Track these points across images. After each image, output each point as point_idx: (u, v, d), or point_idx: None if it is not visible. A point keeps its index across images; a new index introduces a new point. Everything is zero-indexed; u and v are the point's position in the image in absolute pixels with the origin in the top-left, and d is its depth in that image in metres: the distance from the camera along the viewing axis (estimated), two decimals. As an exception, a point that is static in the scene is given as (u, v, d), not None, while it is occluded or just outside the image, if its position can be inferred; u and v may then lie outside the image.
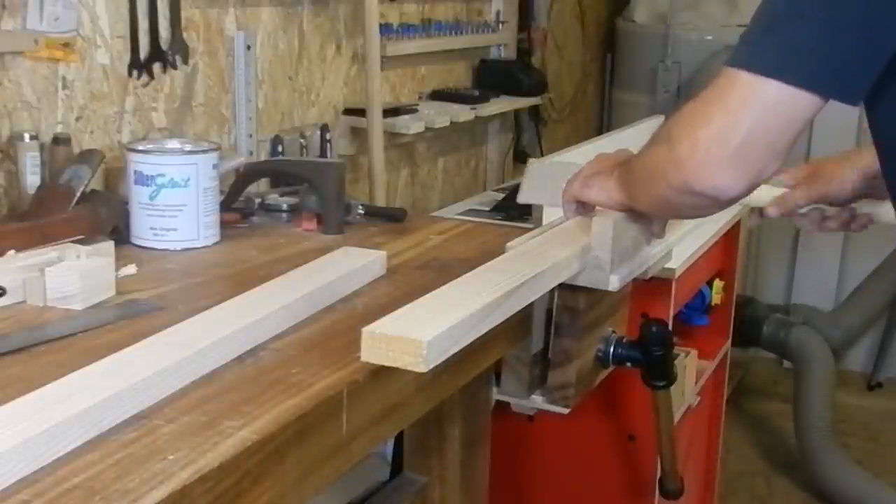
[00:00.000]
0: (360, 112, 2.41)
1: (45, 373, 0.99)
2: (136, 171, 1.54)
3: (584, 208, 1.37)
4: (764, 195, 1.36)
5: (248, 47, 2.12)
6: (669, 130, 1.07)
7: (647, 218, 1.35)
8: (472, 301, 1.08)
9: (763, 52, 1.00)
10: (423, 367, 0.97)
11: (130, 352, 1.03)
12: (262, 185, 1.90)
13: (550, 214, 1.79)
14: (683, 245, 1.90)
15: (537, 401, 1.50)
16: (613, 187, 1.29)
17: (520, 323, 1.40)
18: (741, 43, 1.02)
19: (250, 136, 2.15)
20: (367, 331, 0.99)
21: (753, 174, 1.02)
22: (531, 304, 1.43)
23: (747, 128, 0.99)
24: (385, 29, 2.55)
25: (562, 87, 3.87)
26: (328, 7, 2.40)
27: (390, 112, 2.53)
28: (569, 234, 1.35)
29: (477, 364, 1.32)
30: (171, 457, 0.87)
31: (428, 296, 1.10)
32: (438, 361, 0.99)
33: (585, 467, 2.26)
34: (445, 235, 1.69)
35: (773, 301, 3.89)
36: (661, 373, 1.58)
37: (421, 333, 0.98)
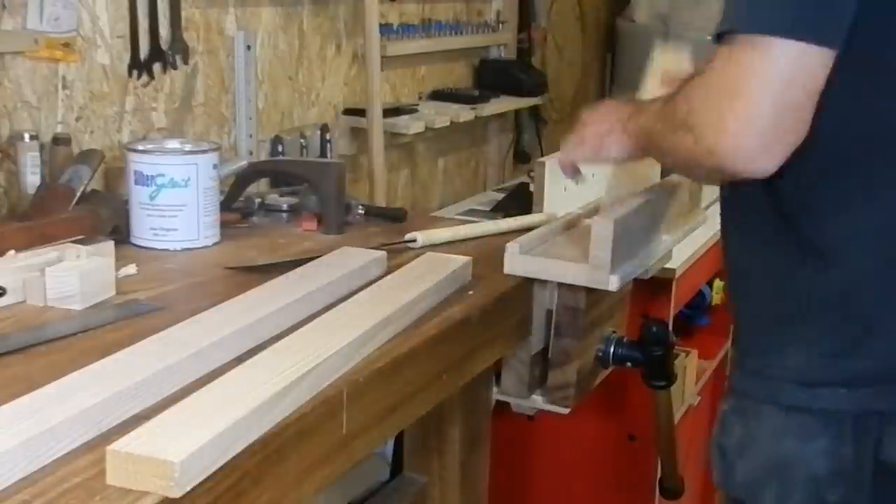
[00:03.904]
0: (360, 112, 2.41)
1: (45, 373, 0.99)
2: (136, 171, 1.54)
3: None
4: None
5: (248, 47, 2.11)
6: (686, 119, 1.07)
7: None
8: (246, 399, 0.91)
9: (767, 11, 1.01)
10: (177, 492, 0.80)
11: (130, 352, 1.03)
12: (262, 185, 1.90)
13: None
14: (683, 245, 1.89)
15: (537, 401, 1.50)
16: (631, 145, 1.29)
17: (520, 323, 1.40)
18: (735, 15, 1.04)
19: (250, 136, 2.15)
20: (110, 450, 0.82)
21: (787, 148, 1.03)
22: (531, 305, 1.43)
23: (771, 104, 1.00)
24: (385, 29, 2.55)
25: (562, 87, 3.86)
26: (328, 7, 2.40)
27: (390, 112, 2.53)
28: (415, 276, 1.29)
29: (477, 364, 1.32)
30: (171, 457, 0.87)
31: (203, 389, 0.95)
32: (197, 482, 0.83)
33: (585, 467, 2.26)
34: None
35: (773, 301, 3.88)
36: (661, 373, 1.58)
37: (172, 451, 0.81)
